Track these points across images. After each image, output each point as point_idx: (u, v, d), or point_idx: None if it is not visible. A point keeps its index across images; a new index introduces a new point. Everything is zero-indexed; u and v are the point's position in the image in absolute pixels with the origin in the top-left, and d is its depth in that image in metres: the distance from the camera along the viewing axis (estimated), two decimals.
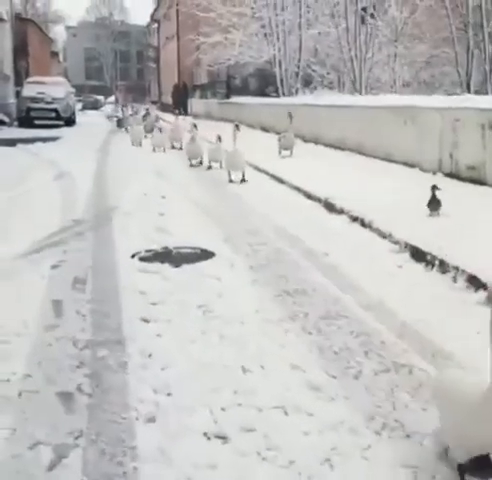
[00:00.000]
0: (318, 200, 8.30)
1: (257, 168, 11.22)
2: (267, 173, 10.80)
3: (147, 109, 26.29)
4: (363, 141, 12.51)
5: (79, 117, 31.79)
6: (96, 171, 12.44)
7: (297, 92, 22.18)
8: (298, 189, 9.17)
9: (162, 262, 5.73)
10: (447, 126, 9.26)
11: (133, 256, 5.97)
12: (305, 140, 14.76)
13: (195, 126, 12.88)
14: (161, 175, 11.27)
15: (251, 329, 4.14)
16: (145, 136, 17.25)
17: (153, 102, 56.49)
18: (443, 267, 5.11)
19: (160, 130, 15.65)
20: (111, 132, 24.75)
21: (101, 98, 66.23)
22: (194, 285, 5.04)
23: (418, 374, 3.47)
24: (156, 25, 60.37)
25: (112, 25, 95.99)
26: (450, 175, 9.16)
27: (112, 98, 71.05)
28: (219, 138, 11.40)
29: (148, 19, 69.78)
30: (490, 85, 15.57)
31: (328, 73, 23.17)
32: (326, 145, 14.38)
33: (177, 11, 39.99)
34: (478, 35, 16.18)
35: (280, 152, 12.81)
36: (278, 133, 16.12)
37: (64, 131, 23.45)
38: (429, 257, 5.37)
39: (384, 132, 11.51)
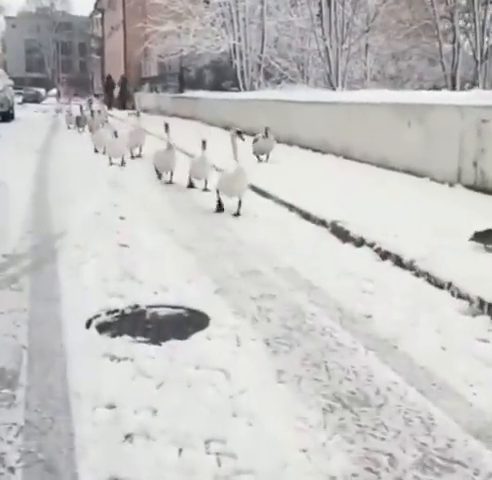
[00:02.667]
0: (321, 223, 6.54)
1: None
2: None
3: (90, 101, 23.63)
4: (350, 144, 10.80)
5: (19, 111, 29.36)
6: (37, 180, 10.36)
7: (259, 86, 20.36)
8: (291, 207, 7.37)
9: (133, 335, 3.91)
10: (470, 128, 7.60)
11: (89, 323, 4.11)
12: (277, 141, 12.94)
13: (167, 127, 9.45)
14: (123, 192, 9.00)
15: None
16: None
17: (97, 95, 53.73)
18: None
19: (115, 133, 11.56)
20: (53, 128, 22.57)
21: (42, 91, 63.00)
22: (189, 389, 3.20)
23: None
24: (100, 15, 57.54)
25: (53, 16, 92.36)
26: (473, 188, 7.56)
27: (54, 91, 68.01)
28: (204, 144, 8.49)
29: (91, 9, 66.87)
30: (481, 78, 14.05)
31: (290, 65, 21.45)
32: (302, 147, 12.62)
33: None
34: (467, 23, 14.61)
35: (258, 157, 10.96)
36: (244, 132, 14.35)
37: (2, 127, 21.12)
38: None
39: (379, 134, 9.80)
